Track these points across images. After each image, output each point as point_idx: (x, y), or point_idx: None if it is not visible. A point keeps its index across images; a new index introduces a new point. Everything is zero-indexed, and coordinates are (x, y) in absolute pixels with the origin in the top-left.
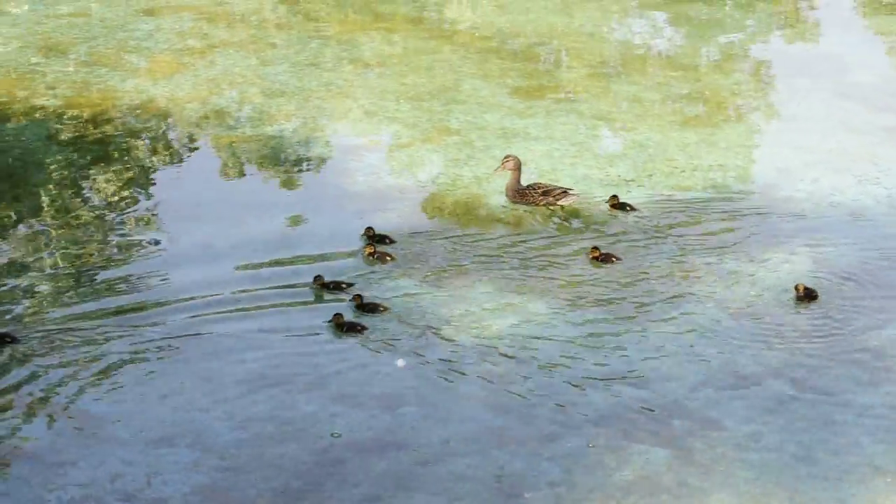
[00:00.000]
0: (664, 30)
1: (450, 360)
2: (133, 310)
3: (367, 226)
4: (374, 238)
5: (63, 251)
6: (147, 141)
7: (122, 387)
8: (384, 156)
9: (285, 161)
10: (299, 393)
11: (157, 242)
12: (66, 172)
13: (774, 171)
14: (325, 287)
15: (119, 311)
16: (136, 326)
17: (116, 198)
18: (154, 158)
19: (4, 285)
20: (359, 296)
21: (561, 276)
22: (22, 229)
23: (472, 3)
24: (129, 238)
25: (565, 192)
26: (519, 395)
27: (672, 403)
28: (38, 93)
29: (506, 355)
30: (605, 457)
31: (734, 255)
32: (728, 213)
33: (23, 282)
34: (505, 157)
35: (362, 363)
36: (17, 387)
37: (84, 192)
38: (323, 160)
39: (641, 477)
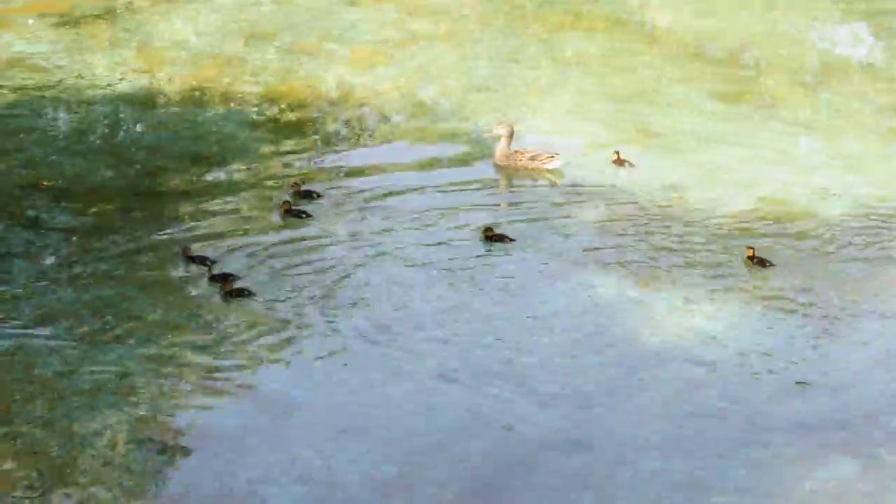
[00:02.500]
0: (867, 39)
1: (641, 362)
2: (329, 297)
3: (296, 181)
4: (301, 194)
5: (257, 236)
6: (346, 131)
7: (316, 373)
8: (583, 155)
9: (482, 156)
10: (491, 388)
11: (352, 234)
12: (264, 159)
13: None
14: (190, 259)
15: (315, 298)
16: (333, 313)
17: (313, 186)
18: (352, 149)
19: (199, 271)
20: (216, 273)
21: (755, 281)
22: (218, 214)
23: (675, 6)
24: (325, 227)
25: (552, 156)
26: (710, 400)
27: (866, 414)
28: (241, 80)
29: (698, 359)
30: (794, 465)
31: None
32: None
33: (218, 267)
34: (498, 124)
35: (555, 360)
36: (212, 368)
37: (281, 179)
38: (589, 168)
39: (831, 487)
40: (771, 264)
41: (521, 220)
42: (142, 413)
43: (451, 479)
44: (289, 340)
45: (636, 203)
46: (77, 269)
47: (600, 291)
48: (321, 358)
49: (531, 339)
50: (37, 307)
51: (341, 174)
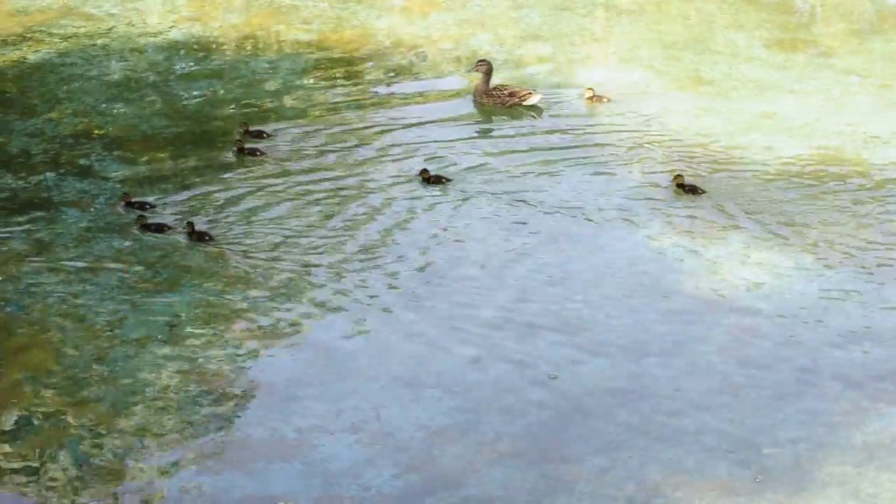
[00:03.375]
0: None
1: (693, 313)
2: (381, 245)
3: (243, 122)
4: (250, 133)
5: (310, 185)
6: (399, 79)
7: (368, 324)
8: (635, 103)
9: (535, 106)
10: (547, 337)
11: (407, 180)
12: (316, 107)
13: None
14: (130, 206)
15: (367, 246)
16: (384, 262)
17: (366, 134)
18: (403, 97)
19: (254, 216)
20: (190, 223)
21: (805, 231)
22: (271, 162)
23: None
24: (376, 175)
25: (530, 92)
26: (761, 351)
27: None
28: (294, 27)
29: (751, 309)
30: (847, 417)
31: None
32: None
33: (271, 213)
34: (479, 61)
35: (607, 311)
36: (265, 319)
37: (334, 127)
38: (573, 106)
39: (884, 439)
40: (702, 191)
41: (571, 166)
42: (191, 362)
43: (503, 428)
44: (338, 291)
45: (687, 151)
46: (128, 218)
47: (651, 241)
48: (376, 307)
49: (582, 289)
50: (88, 256)
51: (391, 121)
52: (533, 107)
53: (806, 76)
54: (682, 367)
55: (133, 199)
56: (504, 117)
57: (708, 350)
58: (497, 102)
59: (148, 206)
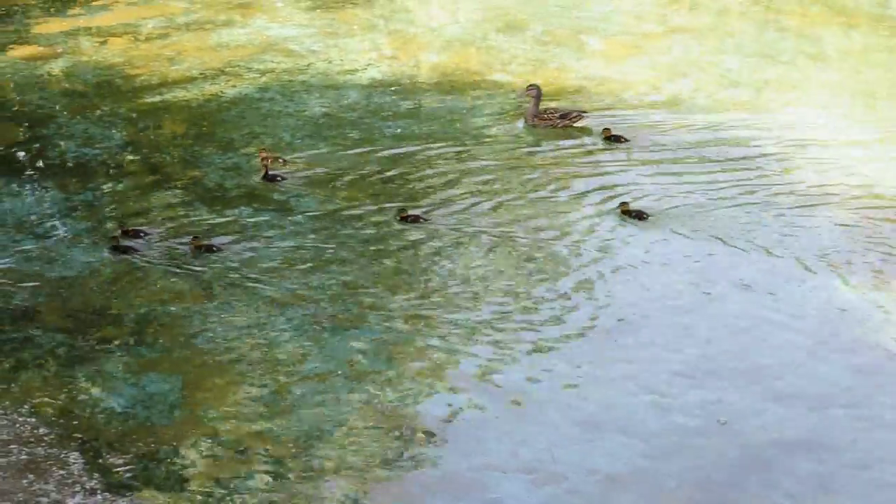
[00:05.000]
0: None
1: (881, 366)
2: (564, 287)
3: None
4: (269, 159)
5: (507, 229)
6: (593, 124)
7: (550, 366)
8: (833, 153)
9: (730, 152)
10: (731, 385)
11: (587, 216)
12: (513, 149)
13: None
14: (126, 234)
15: (550, 287)
16: (566, 305)
17: (560, 179)
18: (597, 142)
19: (439, 256)
20: (196, 237)
21: None
22: (463, 203)
23: None
24: (569, 215)
25: (580, 114)
26: None
27: None
28: (494, 69)
29: None
30: None
31: None
32: None
33: (463, 253)
34: (529, 86)
35: (796, 360)
36: (447, 358)
37: (532, 167)
38: (770, 154)
39: None
40: (647, 216)
41: (757, 209)
42: (371, 399)
43: (683, 476)
44: (520, 332)
45: (878, 204)
46: (320, 255)
47: (838, 292)
48: (563, 349)
49: (775, 336)
50: (278, 290)
51: (588, 166)
52: (583, 128)
53: None
54: (867, 421)
55: (128, 228)
56: (687, 157)
57: (894, 404)
58: (548, 125)
59: (143, 234)
